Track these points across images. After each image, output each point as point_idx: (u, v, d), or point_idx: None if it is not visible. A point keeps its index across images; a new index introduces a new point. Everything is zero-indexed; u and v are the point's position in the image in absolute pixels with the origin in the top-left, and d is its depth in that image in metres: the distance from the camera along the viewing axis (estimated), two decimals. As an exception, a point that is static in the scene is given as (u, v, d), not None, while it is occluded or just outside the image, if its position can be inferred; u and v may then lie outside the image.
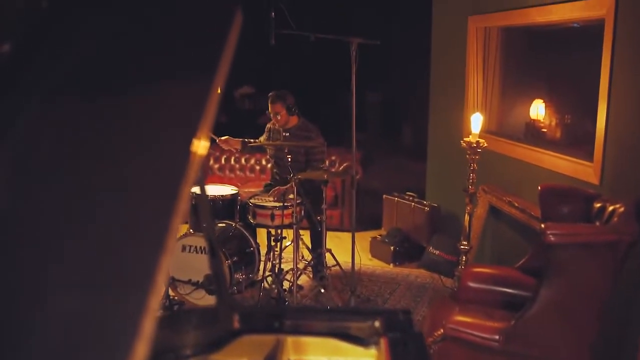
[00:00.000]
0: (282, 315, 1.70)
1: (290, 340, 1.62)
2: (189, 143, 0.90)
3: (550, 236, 2.57)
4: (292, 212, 4.43)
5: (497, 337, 2.79)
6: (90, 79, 1.07)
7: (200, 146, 0.93)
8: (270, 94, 4.82)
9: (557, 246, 2.61)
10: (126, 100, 1.03)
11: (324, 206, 4.48)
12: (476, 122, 4.25)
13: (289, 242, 4.73)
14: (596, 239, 2.67)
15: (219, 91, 1.05)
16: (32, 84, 1.02)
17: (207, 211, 1.58)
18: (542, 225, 2.65)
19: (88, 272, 0.78)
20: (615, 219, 2.86)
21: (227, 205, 4.60)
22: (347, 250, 5.01)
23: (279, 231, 4.50)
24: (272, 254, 4.60)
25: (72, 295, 0.75)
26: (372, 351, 1.63)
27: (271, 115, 4.81)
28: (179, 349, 1.60)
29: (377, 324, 1.68)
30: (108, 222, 0.83)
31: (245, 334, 1.63)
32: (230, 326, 1.68)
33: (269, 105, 4.79)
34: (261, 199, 4.65)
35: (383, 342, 1.59)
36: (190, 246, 4.33)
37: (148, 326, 0.73)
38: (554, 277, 2.68)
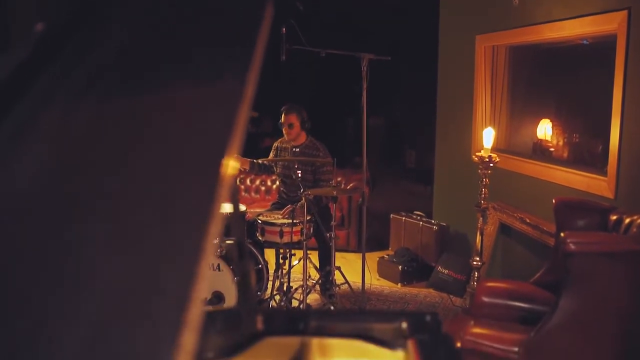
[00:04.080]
0: (307, 317, 1.66)
1: (315, 342, 1.58)
2: (219, 161, 0.85)
3: (571, 244, 2.53)
4: (302, 229, 4.39)
5: (516, 349, 2.73)
6: (114, 79, 1.04)
7: (229, 166, 0.88)
8: (285, 106, 4.81)
9: (577, 255, 2.56)
10: (150, 102, 1.00)
11: (333, 223, 4.44)
12: (488, 136, 4.24)
13: (297, 261, 4.69)
14: (617, 248, 2.63)
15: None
16: (56, 82, 0.99)
17: (237, 217, 1.55)
18: (562, 234, 2.61)
19: (135, 238, 0.75)
20: (634, 230, 2.82)
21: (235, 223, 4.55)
22: (354, 270, 4.99)
23: (288, 249, 4.46)
24: (280, 271, 4.56)
25: (121, 260, 0.71)
26: (400, 354, 1.58)
27: (284, 127, 4.78)
28: (201, 352, 1.56)
29: (404, 325, 1.64)
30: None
31: (269, 336, 1.59)
32: (254, 328, 1.64)
33: (283, 116, 4.76)
34: (270, 216, 4.61)
35: (411, 344, 1.55)
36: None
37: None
38: (574, 288, 2.63)
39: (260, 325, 1.65)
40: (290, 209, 4.55)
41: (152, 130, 0.94)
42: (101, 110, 0.96)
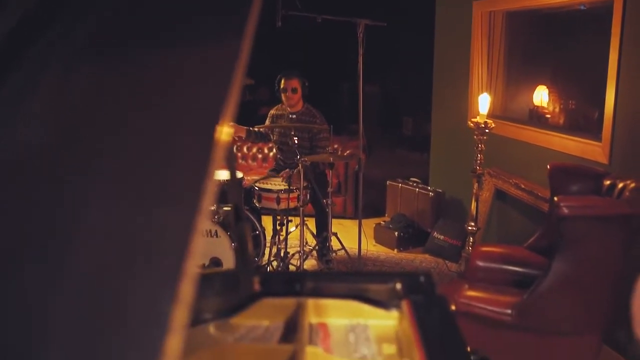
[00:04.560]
0: (303, 279, 1.69)
1: (311, 302, 1.61)
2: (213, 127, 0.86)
3: (564, 208, 2.56)
4: (298, 196, 4.41)
5: (509, 311, 2.78)
6: (113, 41, 1.05)
7: (224, 132, 0.89)
8: (284, 72, 4.80)
9: (570, 218, 2.60)
10: (147, 68, 1.01)
11: (329, 189, 4.46)
12: (484, 102, 4.24)
13: (294, 228, 4.73)
14: (609, 211, 2.66)
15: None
16: (56, 44, 0.99)
17: (235, 180, 1.56)
18: (556, 199, 2.64)
19: (134, 193, 0.77)
20: (627, 194, 2.85)
21: (232, 189, 4.58)
22: (351, 236, 5.02)
23: (285, 216, 4.50)
24: (277, 238, 4.60)
25: (117, 208, 0.73)
26: (394, 314, 1.61)
27: (286, 92, 4.75)
28: (198, 313, 1.58)
29: (398, 286, 1.67)
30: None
31: (266, 297, 1.62)
32: (251, 289, 1.67)
33: (284, 81, 4.74)
34: (267, 183, 4.64)
35: (405, 304, 1.58)
36: (211, 231, 4.30)
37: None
38: (567, 251, 2.67)
39: (257, 286, 1.68)
40: (289, 173, 4.55)
41: (150, 93, 0.96)
42: (101, 72, 0.97)
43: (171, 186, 0.79)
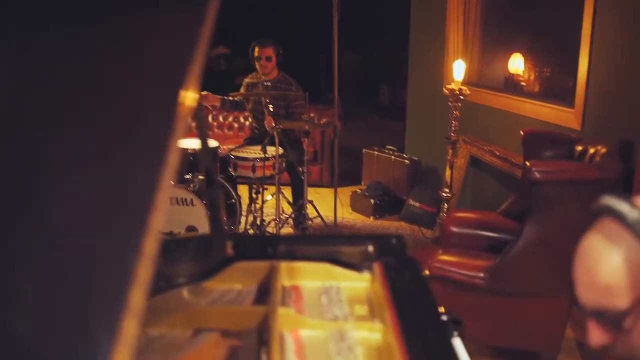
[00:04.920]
0: (276, 242, 1.70)
1: (284, 265, 1.62)
2: (177, 90, 0.86)
3: (536, 173, 2.59)
4: (274, 164, 4.41)
5: (482, 274, 2.82)
6: (75, 6, 1.03)
7: (189, 97, 0.89)
8: (257, 40, 4.76)
9: (542, 183, 2.63)
10: (109, 28, 0.99)
11: (305, 157, 4.46)
12: (458, 69, 4.25)
13: (270, 196, 4.73)
14: (580, 176, 2.69)
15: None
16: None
17: (206, 145, 1.56)
18: (528, 163, 2.67)
19: (99, 157, 0.76)
20: (598, 159, 2.89)
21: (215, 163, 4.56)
22: (327, 204, 5.03)
23: (260, 184, 4.49)
24: (253, 206, 4.60)
25: (82, 166, 0.73)
26: (367, 276, 1.63)
27: (260, 61, 4.72)
28: (171, 278, 1.59)
29: (370, 249, 1.68)
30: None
31: (238, 261, 1.62)
32: (224, 253, 1.67)
33: (258, 49, 4.71)
34: (242, 151, 4.62)
35: (377, 267, 1.59)
36: (171, 198, 4.28)
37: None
38: (538, 215, 2.70)
39: (230, 250, 1.68)
40: (271, 122, 4.45)
41: (115, 55, 0.94)
42: (62, 38, 0.96)
43: (136, 145, 0.79)
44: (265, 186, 4.61)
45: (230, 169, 4.53)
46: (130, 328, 0.60)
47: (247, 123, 6.95)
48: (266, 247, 1.68)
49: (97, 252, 0.66)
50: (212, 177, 1.57)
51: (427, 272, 2.94)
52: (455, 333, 1.70)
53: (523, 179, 3.23)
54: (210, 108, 5.18)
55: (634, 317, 1.01)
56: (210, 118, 7.08)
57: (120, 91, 0.88)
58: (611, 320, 1.03)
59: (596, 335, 1.07)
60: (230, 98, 4.91)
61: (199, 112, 1.36)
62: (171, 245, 1.72)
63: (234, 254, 1.68)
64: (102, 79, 0.91)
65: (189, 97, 0.86)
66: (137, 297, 0.62)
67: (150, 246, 0.67)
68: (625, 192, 2.90)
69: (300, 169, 4.50)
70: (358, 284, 1.62)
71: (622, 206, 1.01)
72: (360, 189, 5.87)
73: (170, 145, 0.77)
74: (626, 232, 0.99)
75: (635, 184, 2.83)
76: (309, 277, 1.64)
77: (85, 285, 0.63)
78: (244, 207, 4.73)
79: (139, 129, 0.82)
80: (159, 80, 0.91)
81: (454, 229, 3.39)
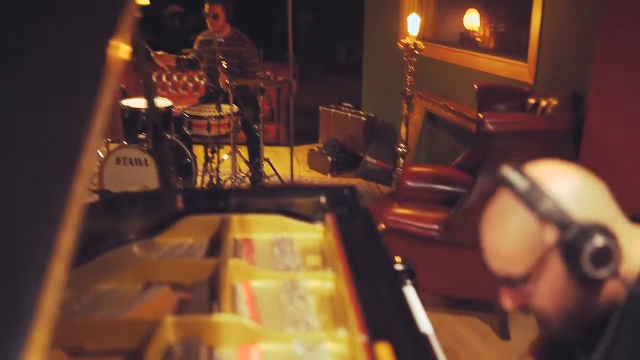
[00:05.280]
0: (227, 195, 1.67)
1: (235, 219, 1.60)
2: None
3: (489, 125, 2.60)
4: (229, 122, 4.36)
5: (436, 227, 2.85)
6: None
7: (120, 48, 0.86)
8: None
9: (494, 135, 2.64)
10: None
11: (260, 115, 4.42)
12: (413, 23, 4.22)
13: (226, 155, 4.69)
14: (532, 127, 2.72)
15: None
16: None
17: (151, 97, 1.51)
18: (481, 115, 2.68)
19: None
20: (549, 111, 2.92)
21: (161, 118, 4.48)
22: (284, 163, 5.02)
23: (216, 143, 4.45)
24: (209, 165, 4.55)
25: (12, 110, 0.70)
26: (319, 227, 1.62)
27: (208, 18, 4.64)
28: (121, 234, 1.56)
29: (322, 199, 1.67)
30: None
31: (189, 215, 1.60)
32: (174, 208, 1.65)
33: (207, 6, 4.62)
34: (197, 110, 4.56)
35: (329, 217, 1.59)
36: (125, 158, 4.21)
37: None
38: (491, 166, 2.72)
39: (181, 205, 1.66)
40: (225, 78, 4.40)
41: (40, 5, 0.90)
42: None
43: (67, 89, 0.76)
44: (221, 146, 4.56)
45: (185, 128, 4.46)
46: (58, 271, 0.57)
47: (202, 82, 6.84)
48: (217, 200, 1.66)
49: (27, 194, 0.64)
50: (159, 131, 1.53)
51: (382, 225, 2.96)
52: (409, 282, 1.71)
53: (477, 131, 3.25)
54: (167, 68, 5.08)
55: (533, 283, 1.05)
56: (164, 78, 6.95)
57: (46, 38, 0.85)
58: (515, 286, 1.08)
59: (506, 300, 1.12)
60: (185, 57, 4.82)
61: (143, 67, 1.33)
62: (121, 202, 1.68)
63: (184, 208, 1.65)
64: (26, 27, 0.87)
65: (121, 48, 0.84)
66: (67, 239, 0.60)
67: (81, 188, 0.64)
68: (575, 142, 2.95)
69: (256, 126, 4.46)
70: (311, 235, 1.61)
71: (514, 176, 1.03)
72: (317, 147, 5.85)
73: (100, 90, 0.74)
74: (518, 202, 1.01)
75: (585, 134, 2.88)
76: (261, 230, 1.62)
77: (15, 228, 0.61)
78: (200, 167, 4.68)
79: (68, 73, 0.80)
80: (87, 28, 0.88)
81: (410, 184, 3.41)
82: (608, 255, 0.95)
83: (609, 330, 1.06)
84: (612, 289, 1.03)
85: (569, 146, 2.95)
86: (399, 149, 4.54)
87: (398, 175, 4.48)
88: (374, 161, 5.33)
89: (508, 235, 1.04)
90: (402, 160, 4.55)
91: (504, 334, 2.93)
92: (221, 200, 1.66)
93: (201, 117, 4.39)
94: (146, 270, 1.41)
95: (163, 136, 1.56)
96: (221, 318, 1.15)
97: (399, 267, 1.74)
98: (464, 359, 2.78)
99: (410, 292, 1.66)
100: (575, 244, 0.96)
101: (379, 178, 5.23)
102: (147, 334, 1.11)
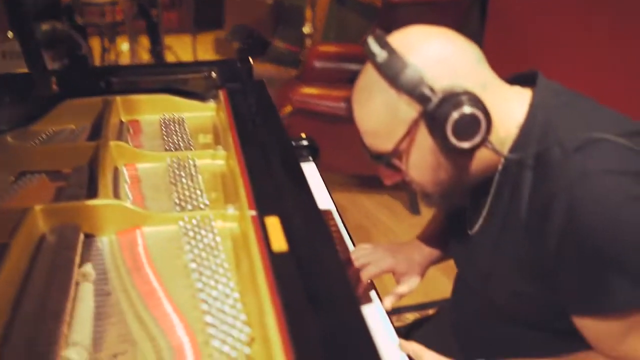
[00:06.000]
0: (108, 74, 1.53)
1: (119, 100, 1.47)
2: None
3: (393, -6, 2.51)
4: (123, 9, 4.08)
5: (343, 104, 2.78)
6: None
7: None
8: None
9: (398, 6, 2.55)
10: None
11: (159, -1, 4.16)
12: None
13: (126, 45, 4.43)
14: (436, -3, 2.64)
15: None
16: None
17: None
18: (385, -15, 2.57)
19: None
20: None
21: (49, 5, 4.13)
22: (189, 52, 4.80)
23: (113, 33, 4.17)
24: (107, 56, 4.29)
25: None
26: (212, 105, 1.52)
27: None
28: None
29: (213, 75, 1.56)
30: None
31: (67, 99, 1.45)
32: (49, 91, 1.50)
33: None
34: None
35: (222, 93, 1.48)
36: (13, 52, 3.89)
37: None
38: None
39: (55, 87, 1.51)
40: None
41: None
42: None
43: None
44: (120, 35, 4.28)
45: (77, 16, 4.14)
46: None
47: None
48: (97, 80, 1.51)
49: None
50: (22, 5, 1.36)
51: (289, 107, 2.87)
52: (310, 158, 1.65)
53: (382, 4, 3.14)
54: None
55: (404, 158, 0.99)
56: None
57: None
58: (388, 162, 1.01)
59: (385, 176, 1.07)
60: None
61: None
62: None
63: (61, 91, 1.50)
64: None
65: None
66: None
67: None
68: (481, 12, 2.89)
69: (154, 11, 4.19)
70: (203, 113, 1.51)
71: (374, 47, 0.93)
72: (224, 34, 5.61)
73: None
74: (379, 75, 0.93)
75: (490, 3, 2.82)
76: (149, 110, 1.50)
77: None
78: (97, 59, 4.40)
79: None
80: None
81: (317, 64, 3.30)
82: (474, 124, 0.89)
83: (489, 197, 1.03)
84: (487, 157, 0.97)
85: (475, 17, 2.89)
86: (304, 30, 4.40)
87: (305, 57, 4.35)
88: (283, 45, 5.16)
89: (372, 111, 0.96)
90: (309, 42, 4.41)
91: (414, 209, 2.96)
92: (102, 81, 1.51)
93: (94, 4, 4.08)
94: (19, 159, 1.28)
95: (28, 12, 1.38)
96: (98, 202, 1.05)
97: (304, 142, 1.67)
98: (375, 235, 2.79)
99: (310, 167, 1.60)
100: (439, 115, 0.89)
101: (288, 62, 5.08)
102: (15, 226, 1.00)
